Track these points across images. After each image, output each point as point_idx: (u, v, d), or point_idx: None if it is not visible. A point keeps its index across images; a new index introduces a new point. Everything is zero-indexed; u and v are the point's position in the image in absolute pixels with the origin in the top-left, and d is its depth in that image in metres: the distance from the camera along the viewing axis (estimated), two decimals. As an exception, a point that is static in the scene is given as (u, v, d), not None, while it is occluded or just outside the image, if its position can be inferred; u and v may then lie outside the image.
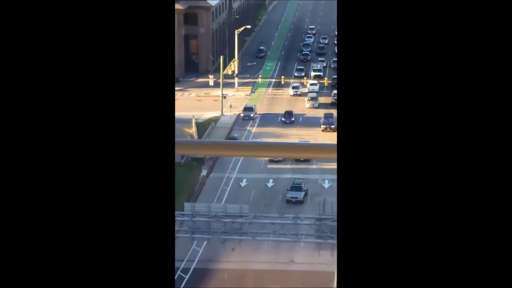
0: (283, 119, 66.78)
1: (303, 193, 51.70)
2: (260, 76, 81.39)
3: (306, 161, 55.29)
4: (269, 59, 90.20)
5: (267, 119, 67.09)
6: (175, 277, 40.53)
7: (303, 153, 3.36)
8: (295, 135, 61.65)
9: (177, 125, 58.07)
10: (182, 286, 40.16)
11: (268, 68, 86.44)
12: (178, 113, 63.34)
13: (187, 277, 40.88)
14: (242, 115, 68.22)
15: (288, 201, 50.89)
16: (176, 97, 73.03)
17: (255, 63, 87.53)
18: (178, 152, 3.36)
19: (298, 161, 55.38)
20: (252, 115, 67.99)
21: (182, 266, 41.59)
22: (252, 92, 76.79)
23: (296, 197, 51.00)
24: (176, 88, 75.64)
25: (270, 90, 78.04)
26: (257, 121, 66.83)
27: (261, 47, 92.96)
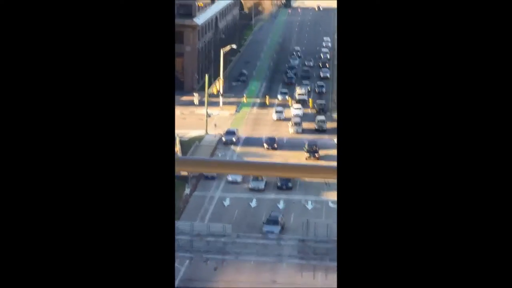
0: (265, 145, 65.27)
1: (279, 227, 48.43)
2: (245, 95, 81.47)
3: (289, 189, 55.05)
4: (254, 79, 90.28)
5: (251, 141, 66.86)
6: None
7: (298, 173, 3.26)
8: (278, 155, 61.53)
9: (161, 143, 58.36)
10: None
11: (253, 88, 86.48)
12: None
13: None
14: (224, 139, 66.75)
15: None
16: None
17: (240, 82, 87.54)
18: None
19: (281, 189, 55.08)
20: (234, 139, 66.57)
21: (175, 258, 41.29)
22: (237, 111, 76.79)
23: (273, 231, 47.64)
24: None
25: (255, 109, 78.01)
26: (241, 142, 66.58)
27: (243, 71, 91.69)
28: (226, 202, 52.93)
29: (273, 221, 48.99)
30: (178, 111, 74.91)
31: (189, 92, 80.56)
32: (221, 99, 77.30)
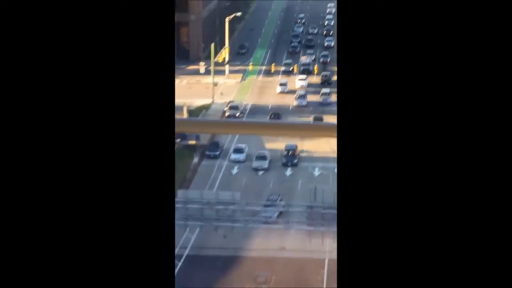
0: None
1: (276, 212, 45.73)
2: (251, 63, 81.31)
3: (294, 165, 54.24)
4: (259, 46, 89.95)
5: (257, 110, 66.84)
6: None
7: (300, 131, 3.23)
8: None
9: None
10: (175, 272, 40.35)
11: (258, 56, 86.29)
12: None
13: (179, 263, 41.10)
14: (227, 114, 65.15)
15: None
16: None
17: (246, 50, 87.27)
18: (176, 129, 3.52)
19: (286, 166, 54.27)
20: (237, 114, 65.21)
21: (175, 253, 41.84)
22: (243, 79, 76.75)
23: (270, 216, 44.87)
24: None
25: (260, 77, 77.93)
26: (247, 112, 66.53)
27: (244, 43, 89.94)
28: (234, 171, 53.25)
29: (270, 205, 46.43)
30: (185, 80, 74.95)
31: (195, 61, 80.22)
32: (227, 68, 77.07)
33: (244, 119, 64.10)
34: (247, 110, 66.81)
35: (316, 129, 3.34)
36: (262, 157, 54.31)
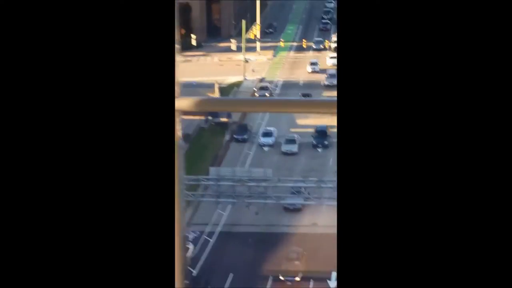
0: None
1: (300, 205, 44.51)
2: (281, 40, 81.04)
3: (326, 147, 53.48)
4: (290, 22, 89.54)
5: (288, 88, 66.66)
6: (201, 241, 41.14)
7: (305, 108, 3.17)
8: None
9: (200, 91, 58.31)
10: (208, 249, 40.74)
11: (289, 31, 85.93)
12: (201, 78, 63.48)
13: (212, 240, 41.42)
14: (256, 95, 63.22)
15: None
16: (198, 62, 73.04)
17: (276, 26, 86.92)
18: (197, 109, 3.43)
19: (316, 147, 53.64)
20: (267, 94, 63.57)
21: (207, 230, 42.16)
22: (274, 56, 76.54)
23: (294, 204, 44.60)
24: (198, 53, 75.66)
25: (292, 54, 77.67)
26: (278, 89, 66.33)
27: (272, 23, 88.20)
28: (266, 148, 53.30)
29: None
30: (216, 57, 74.97)
31: (226, 39, 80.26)
32: (258, 45, 76.97)
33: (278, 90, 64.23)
34: (278, 87, 66.62)
35: (312, 105, 3.36)
36: (291, 141, 53.36)
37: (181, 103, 2.83)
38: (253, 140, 55.02)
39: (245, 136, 54.96)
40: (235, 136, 55.09)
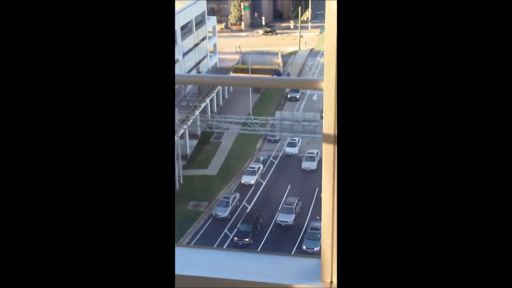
0: None
1: (293, 216, 34.56)
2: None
3: None
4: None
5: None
6: (268, 161, 42.27)
7: (292, 85, 2.49)
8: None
9: (267, 57, 58.40)
10: (273, 167, 41.79)
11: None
12: (268, 48, 64.19)
13: (276, 161, 42.51)
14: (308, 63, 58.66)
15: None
16: (266, 37, 73.52)
17: (323, 11, 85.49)
18: (192, 83, 3.41)
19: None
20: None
21: (273, 154, 43.31)
22: (321, 33, 76.13)
23: (286, 221, 34.35)
24: (267, 29, 76.16)
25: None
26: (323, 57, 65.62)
27: (318, 12, 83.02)
28: (314, 97, 53.60)
29: (287, 209, 35.09)
30: (279, 34, 75.15)
31: (286, 20, 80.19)
32: (309, 24, 76.92)
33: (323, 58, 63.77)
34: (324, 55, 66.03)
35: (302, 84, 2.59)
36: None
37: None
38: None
39: (277, 138, 45.57)
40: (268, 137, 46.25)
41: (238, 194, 37.39)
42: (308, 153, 41.65)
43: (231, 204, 36.09)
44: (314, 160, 41.11)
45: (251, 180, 39.92)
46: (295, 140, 43.79)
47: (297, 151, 43.08)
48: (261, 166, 41.19)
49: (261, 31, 74.90)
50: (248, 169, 41.16)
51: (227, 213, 35.29)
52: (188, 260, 2.93)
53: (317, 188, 37.13)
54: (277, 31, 77.04)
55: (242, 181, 39.87)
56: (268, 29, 75.14)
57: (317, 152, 41.43)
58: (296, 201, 35.46)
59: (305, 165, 41.26)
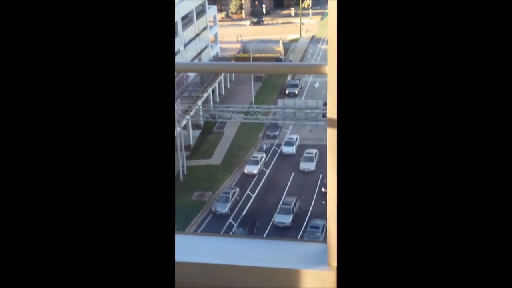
0: None
1: (291, 216, 33.32)
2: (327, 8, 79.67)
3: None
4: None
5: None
6: (272, 149, 42.33)
7: (295, 70, 2.59)
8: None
9: (269, 45, 58.20)
10: (276, 155, 41.89)
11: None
12: (270, 36, 63.93)
13: (279, 149, 42.62)
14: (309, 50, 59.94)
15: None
16: (267, 24, 73.22)
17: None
18: (192, 71, 3.38)
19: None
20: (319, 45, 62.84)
21: (276, 142, 43.38)
22: (322, 19, 75.82)
23: (284, 222, 32.94)
24: (267, 18, 75.76)
25: (334, 18, 76.19)
26: (325, 43, 65.70)
27: None
28: (316, 85, 53.55)
29: (285, 210, 33.94)
30: (280, 21, 74.85)
31: (287, 7, 79.75)
32: (310, 11, 76.47)
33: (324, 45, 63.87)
34: (325, 42, 66.05)
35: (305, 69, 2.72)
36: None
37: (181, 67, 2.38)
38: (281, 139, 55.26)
39: (276, 133, 44.39)
40: (267, 132, 44.69)
41: (238, 189, 36.64)
42: (307, 153, 39.84)
43: (231, 199, 35.67)
44: (313, 161, 39.18)
45: (254, 169, 39.81)
46: (292, 138, 42.12)
47: (294, 151, 41.50)
48: (264, 155, 41.23)
49: (248, 23, 74.42)
50: (250, 158, 41.11)
51: (226, 209, 35.12)
52: (193, 247, 2.95)
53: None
54: (278, 19, 76.73)
55: (245, 171, 39.76)
56: (255, 20, 74.92)
57: (316, 152, 39.40)
58: (294, 200, 34.77)
59: (304, 166, 39.10)
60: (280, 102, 44.53)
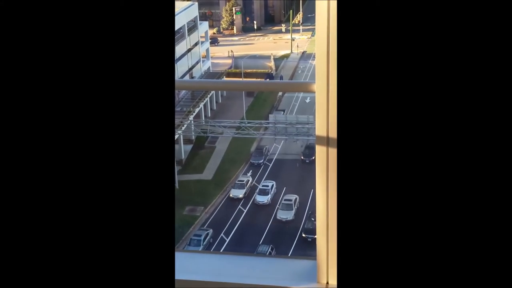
0: None
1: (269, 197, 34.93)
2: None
3: None
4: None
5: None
6: (262, 165, 42.31)
7: (283, 88, 2.53)
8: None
9: (260, 60, 58.60)
10: (267, 172, 41.83)
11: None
12: (261, 52, 64.43)
13: (271, 165, 42.56)
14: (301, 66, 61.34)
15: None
16: (258, 40, 73.79)
17: (314, 15, 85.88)
18: (189, 88, 3.32)
19: None
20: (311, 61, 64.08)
21: (267, 158, 43.35)
22: (312, 36, 76.39)
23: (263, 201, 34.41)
24: (258, 34, 76.35)
25: (325, 34, 76.80)
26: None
27: (309, 15, 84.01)
28: (307, 100, 53.73)
29: (263, 191, 35.60)
30: (271, 37, 75.38)
31: (278, 24, 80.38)
32: (301, 27, 77.17)
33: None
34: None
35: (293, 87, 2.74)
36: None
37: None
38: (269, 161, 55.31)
39: (261, 161, 42.46)
40: (251, 160, 42.74)
41: (211, 230, 33.19)
42: (285, 200, 34.77)
43: (202, 243, 32.19)
44: (292, 209, 34.22)
45: (239, 194, 37.74)
46: (267, 186, 36.72)
47: (269, 200, 35.54)
48: (250, 179, 39.87)
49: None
50: (236, 182, 39.32)
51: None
52: (185, 265, 2.97)
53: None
54: (269, 35, 77.36)
55: (231, 195, 37.79)
56: (210, 40, 75.05)
57: (296, 199, 34.58)
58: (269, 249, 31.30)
59: (281, 215, 34.06)
60: (271, 117, 44.64)
